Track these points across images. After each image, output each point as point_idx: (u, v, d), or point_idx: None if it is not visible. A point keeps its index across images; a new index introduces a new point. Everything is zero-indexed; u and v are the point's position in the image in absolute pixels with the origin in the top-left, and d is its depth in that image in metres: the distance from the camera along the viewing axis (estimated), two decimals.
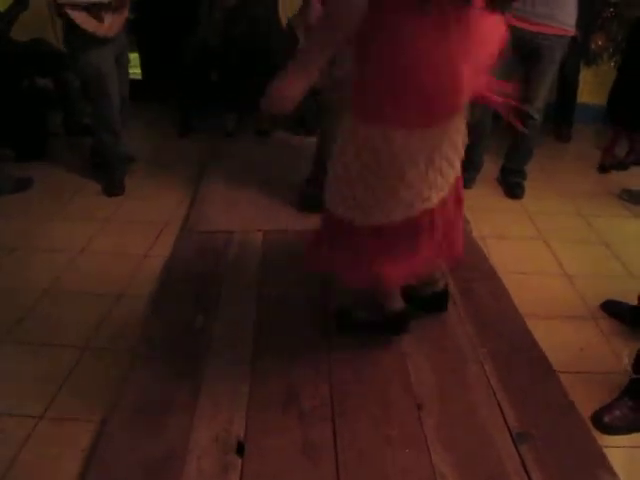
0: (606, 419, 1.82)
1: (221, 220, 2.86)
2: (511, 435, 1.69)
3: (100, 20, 2.86)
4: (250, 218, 2.87)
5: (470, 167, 3.53)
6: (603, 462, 1.63)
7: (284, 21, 3.86)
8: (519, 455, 1.62)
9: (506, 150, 3.56)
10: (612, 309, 2.37)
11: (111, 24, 2.92)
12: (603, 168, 3.93)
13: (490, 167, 3.62)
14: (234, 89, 3.98)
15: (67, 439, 1.69)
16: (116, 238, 2.82)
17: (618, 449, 1.75)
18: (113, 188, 3.32)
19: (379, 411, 1.76)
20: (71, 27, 2.87)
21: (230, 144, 3.96)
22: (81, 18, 2.81)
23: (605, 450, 1.68)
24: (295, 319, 2.15)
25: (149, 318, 2.15)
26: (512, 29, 3.05)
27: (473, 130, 3.45)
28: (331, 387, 1.84)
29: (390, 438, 1.67)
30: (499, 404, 1.80)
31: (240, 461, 1.57)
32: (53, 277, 2.47)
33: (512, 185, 3.51)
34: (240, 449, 1.61)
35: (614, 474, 1.59)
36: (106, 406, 1.78)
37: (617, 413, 1.84)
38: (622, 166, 3.97)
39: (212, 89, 4.17)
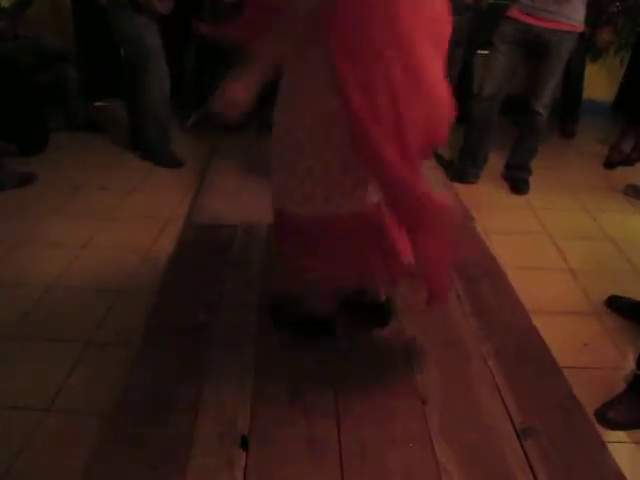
0: (610, 415, 1.82)
1: (224, 214, 2.86)
2: (515, 431, 1.69)
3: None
4: (254, 212, 2.86)
5: (475, 163, 3.53)
6: (607, 458, 1.63)
7: None
8: (523, 451, 1.62)
9: (511, 146, 3.55)
10: (616, 305, 2.36)
11: (168, 3, 3.22)
12: (610, 164, 3.92)
13: (495, 163, 3.61)
14: None
15: (71, 433, 1.70)
16: (119, 233, 2.82)
17: (622, 445, 1.75)
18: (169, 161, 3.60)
19: (383, 406, 1.76)
20: (134, 7, 3.11)
21: (234, 138, 3.95)
22: None
23: (609, 446, 1.68)
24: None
25: (152, 313, 2.15)
26: (521, 25, 3.08)
27: (478, 126, 3.49)
28: (335, 382, 1.84)
29: (394, 433, 1.66)
30: (503, 400, 1.80)
31: (244, 456, 1.58)
32: (56, 272, 2.47)
33: (517, 181, 3.50)
34: (244, 444, 1.61)
35: (618, 470, 1.59)
36: (110, 401, 1.78)
37: (621, 409, 1.83)
38: (628, 162, 3.96)
39: (216, 85, 4.16)
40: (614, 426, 1.81)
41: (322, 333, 2.01)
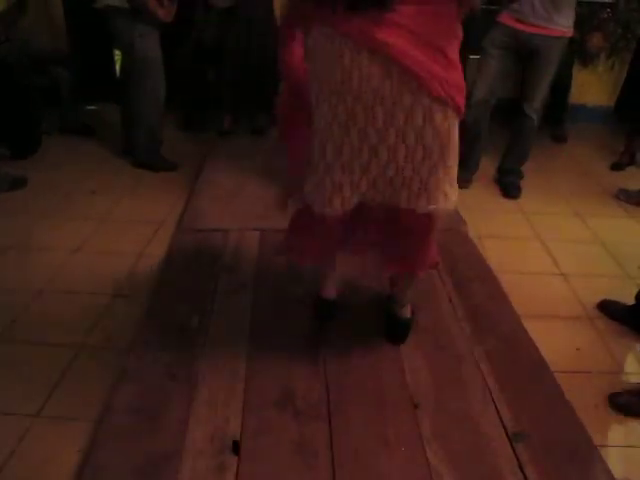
0: (621, 400, 1.85)
1: (217, 219, 2.85)
2: (507, 434, 1.69)
3: (162, 6, 3.18)
4: (247, 217, 2.87)
5: (466, 167, 3.54)
6: (598, 461, 1.63)
7: (280, 21, 3.86)
8: (515, 454, 1.62)
9: (503, 150, 3.56)
10: (608, 309, 2.37)
11: (170, 11, 3.25)
12: (618, 166, 3.97)
13: (487, 167, 3.63)
14: (230, 89, 3.98)
15: (62, 438, 1.69)
16: (112, 237, 2.81)
17: (614, 448, 1.76)
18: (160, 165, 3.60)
19: (375, 410, 1.76)
20: (135, 14, 3.13)
21: (227, 143, 3.96)
22: (153, 4, 3.12)
23: (600, 449, 1.68)
24: (291, 319, 2.14)
25: (144, 317, 2.15)
26: (511, 30, 3.10)
27: (470, 130, 3.50)
28: (327, 386, 1.84)
29: (386, 437, 1.66)
30: (495, 404, 1.80)
31: (235, 461, 1.57)
32: (48, 276, 2.46)
33: (508, 185, 3.51)
34: (235, 449, 1.60)
35: (609, 473, 1.59)
36: (101, 406, 1.77)
37: (634, 397, 1.86)
38: (618, 166, 3.99)
39: (209, 89, 4.17)
40: (623, 410, 1.85)
41: (321, 314, 2.15)
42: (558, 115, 4.46)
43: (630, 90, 4.36)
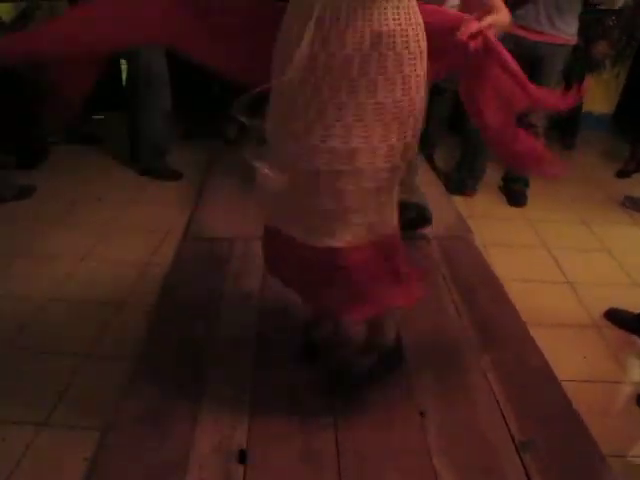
0: None
1: (224, 228, 2.86)
2: (514, 444, 1.68)
3: None
4: (252, 226, 2.86)
5: (472, 175, 3.54)
6: (606, 471, 1.62)
7: None
8: (522, 464, 1.62)
9: None
10: (615, 317, 2.36)
11: None
12: (624, 173, 3.97)
13: (492, 175, 3.62)
14: (236, 95, 3.99)
15: (68, 447, 1.69)
16: (118, 246, 2.81)
17: (621, 458, 1.74)
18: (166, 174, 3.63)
19: (381, 419, 1.75)
20: None
21: (232, 151, 3.96)
22: None
23: (608, 459, 1.67)
24: (297, 328, 2.14)
25: (150, 326, 2.15)
26: (514, 38, 3.11)
27: (475, 138, 3.50)
28: (333, 395, 1.83)
29: (392, 446, 1.66)
30: (502, 412, 1.79)
31: (242, 470, 1.57)
32: (55, 285, 2.47)
33: (514, 193, 3.51)
34: (242, 458, 1.60)
35: None
36: (107, 415, 1.77)
37: None
38: (624, 173, 3.99)
39: (214, 98, 4.19)
40: None
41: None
42: (570, 123, 4.45)
43: (630, 96, 4.35)
